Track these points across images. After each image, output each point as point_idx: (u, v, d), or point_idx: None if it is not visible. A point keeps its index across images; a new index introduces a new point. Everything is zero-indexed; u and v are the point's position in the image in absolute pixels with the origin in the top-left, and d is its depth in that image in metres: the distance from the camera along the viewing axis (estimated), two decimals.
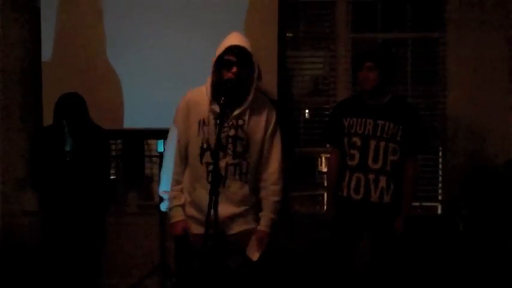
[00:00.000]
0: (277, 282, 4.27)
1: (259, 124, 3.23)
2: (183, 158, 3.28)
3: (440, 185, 5.08)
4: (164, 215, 4.81)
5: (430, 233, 4.71)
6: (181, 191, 3.30)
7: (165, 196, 3.36)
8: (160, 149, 4.80)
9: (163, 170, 3.41)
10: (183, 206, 3.27)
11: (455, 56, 4.95)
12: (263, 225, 3.28)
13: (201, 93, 3.22)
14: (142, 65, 4.73)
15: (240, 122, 3.18)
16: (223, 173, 3.15)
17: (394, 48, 5.08)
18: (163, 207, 3.41)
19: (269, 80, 4.57)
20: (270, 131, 3.27)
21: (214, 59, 3.12)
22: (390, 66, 3.82)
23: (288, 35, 5.07)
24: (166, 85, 4.58)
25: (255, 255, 3.24)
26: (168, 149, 3.36)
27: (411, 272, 4.42)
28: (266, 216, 3.28)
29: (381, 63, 3.74)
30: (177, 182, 3.30)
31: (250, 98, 3.18)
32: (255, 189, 3.31)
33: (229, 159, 3.17)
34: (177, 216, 3.28)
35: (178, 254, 3.38)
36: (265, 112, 3.27)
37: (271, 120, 3.29)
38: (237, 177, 3.20)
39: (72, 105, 4.08)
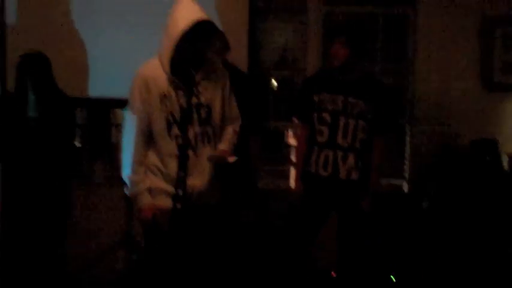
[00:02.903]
0: (240, 258, 4.28)
1: (217, 87, 3.20)
2: (146, 137, 3.15)
3: (406, 162, 5.12)
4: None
5: (396, 209, 4.74)
6: (145, 172, 3.18)
7: (130, 180, 3.18)
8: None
9: (125, 154, 3.21)
10: (149, 189, 3.16)
11: (425, 33, 4.96)
12: (224, 145, 3.28)
13: (154, 66, 3.10)
14: (109, 31, 4.64)
15: (200, 89, 3.11)
16: (193, 142, 3.10)
17: (365, 23, 5.05)
18: (128, 191, 3.23)
19: (239, 52, 4.53)
20: (226, 92, 3.26)
21: (178, 33, 2.94)
22: (361, 42, 3.79)
23: (259, 5, 5.00)
24: (133, 52, 4.48)
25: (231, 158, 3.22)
26: (128, 131, 3.19)
27: (377, 250, 4.46)
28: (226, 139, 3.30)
29: (352, 39, 3.71)
30: (140, 163, 3.16)
31: (208, 65, 3.14)
32: None
33: (196, 128, 3.11)
34: (145, 200, 3.15)
35: (148, 236, 3.27)
36: (220, 75, 3.23)
37: (226, 82, 3.27)
38: (206, 144, 3.15)
39: (36, 62, 3.99)
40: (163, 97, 3.08)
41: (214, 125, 3.19)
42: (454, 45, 4.91)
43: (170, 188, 3.08)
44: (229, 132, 3.32)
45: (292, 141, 5.35)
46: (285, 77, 5.25)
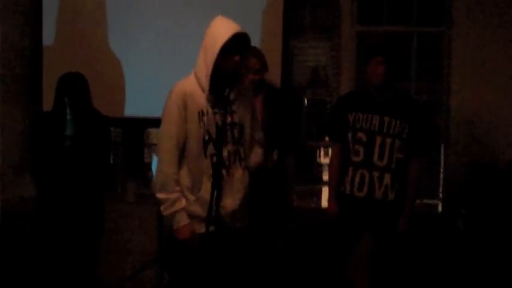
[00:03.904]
0: (275, 276, 4.25)
1: (248, 108, 3.20)
2: (180, 155, 3.09)
3: (441, 182, 5.06)
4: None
5: (430, 230, 4.68)
6: (181, 191, 3.10)
7: (165, 199, 3.08)
8: None
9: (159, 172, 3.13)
10: (184, 209, 3.08)
11: (460, 52, 4.92)
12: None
13: (192, 84, 3.09)
14: (145, 52, 4.70)
15: (234, 107, 3.11)
16: (226, 161, 3.07)
17: (399, 42, 5.04)
18: (163, 210, 3.10)
19: (272, 71, 4.52)
20: (253, 112, 3.27)
21: (217, 47, 2.94)
22: (398, 62, 3.77)
23: (292, 24, 5.01)
24: (168, 73, 4.52)
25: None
26: (162, 148, 3.11)
27: (412, 270, 4.40)
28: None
29: (390, 58, 3.67)
30: (176, 182, 3.08)
31: (241, 83, 3.17)
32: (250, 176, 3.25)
33: (230, 147, 3.09)
34: (183, 220, 3.07)
35: (181, 258, 3.18)
36: (248, 95, 3.27)
37: (253, 102, 3.32)
38: (238, 163, 3.12)
39: (75, 82, 4.02)
40: (201, 114, 3.05)
41: (245, 145, 3.18)
42: (490, 62, 4.85)
43: (202, 212, 3.04)
44: (258, 150, 3.32)
45: (324, 160, 5.33)
46: (318, 96, 5.23)
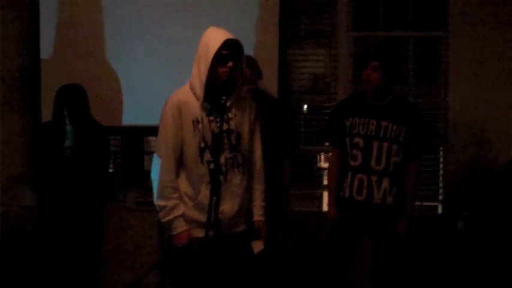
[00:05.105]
0: (275, 280, 4.27)
1: (245, 115, 3.23)
2: (178, 163, 3.16)
3: (441, 184, 5.07)
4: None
5: (430, 232, 4.69)
6: (179, 198, 3.16)
7: (163, 206, 3.13)
8: None
9: (157, 181, 3.19)
10: (183, 215, 3.14)
11: (457, 56, 4.92)
12: (259, 214, 3.30)
13: (186, 92, 3.15)
14: (142, 61, 4.74)
15: (230, 115, 3.15)
16: (224, 168, 3.11)
17: (396, 47, 5.05)
18: (161, 217, 3.16)
19: (270, 78, 4.56)
20: (253, 120, 3.29)
21: (210, 55, 3.01)
22: (395, 66, 3.79)
23: (288, 32, 5.04)
24: (166, 82, 4.55)
25: (258, 246, 3.23)
26: (160, 157, 3.16)
27: (412, 272, 4.40)
28: (259, 205, 3.31)
29: (386, 63, 3.70)
30: (174, 189, 3.15)
31: (238, 90, 3.18)
32: (249, 182, 3.29)
33: (226, 153, 3.13)
34: (180, 226, 3.13)
35: (180, 264, 3.24)
36: (248, 102, 3.29)
37: (254, 110, 3.31)
38: (236, 170, 3.17)
39: (74, 94, 4.06)
40: (196, 122, 3.11)
41: (244, 152, 3.21)
42: (487, 65, 4.86)
43: (201, 217, 3.07)
44: (259, 192, 3.35)
45: (324, 165, 5.35)
46: (317, 102, 5.26)
